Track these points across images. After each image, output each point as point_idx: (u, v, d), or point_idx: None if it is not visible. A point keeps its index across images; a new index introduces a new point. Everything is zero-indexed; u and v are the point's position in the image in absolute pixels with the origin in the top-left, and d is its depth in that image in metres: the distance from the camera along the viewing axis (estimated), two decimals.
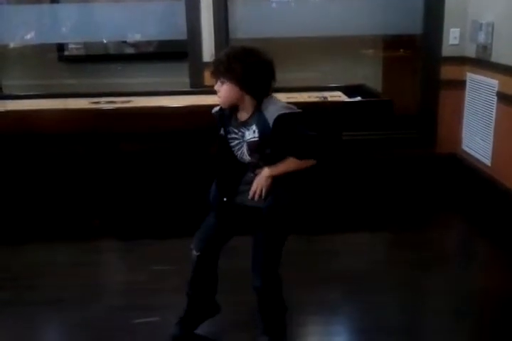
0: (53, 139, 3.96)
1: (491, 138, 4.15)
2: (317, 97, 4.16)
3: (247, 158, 2.38)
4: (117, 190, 4.24)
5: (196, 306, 2.63)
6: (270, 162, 2.35)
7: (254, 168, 2.40)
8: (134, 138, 4.05)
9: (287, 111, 2.27)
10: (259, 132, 2.29)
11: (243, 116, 2.35)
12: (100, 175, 4.24)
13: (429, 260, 3.46)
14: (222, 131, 2.42)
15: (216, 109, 2.43)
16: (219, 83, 2.29)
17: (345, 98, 4.23)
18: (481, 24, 4.24)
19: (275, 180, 2.35)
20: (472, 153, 4.50)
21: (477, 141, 4.40)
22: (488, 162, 4.22)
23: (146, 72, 5.30)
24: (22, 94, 4.72)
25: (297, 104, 3.89)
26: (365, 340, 2.64)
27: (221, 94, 2.31)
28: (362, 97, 4.13)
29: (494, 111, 4.10)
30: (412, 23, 4.67)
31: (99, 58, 5.52)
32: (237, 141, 2.37)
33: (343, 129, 4.29)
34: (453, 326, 2.75)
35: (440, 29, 4.57)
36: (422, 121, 4.78)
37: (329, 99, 4.17)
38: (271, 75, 2.31)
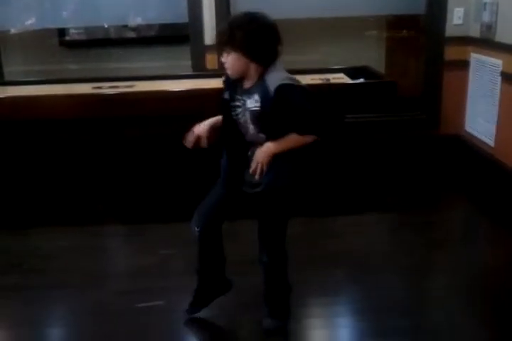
0: (56, 125, 3.96)
1: (495, 118, 4.12)
2: (320, 79, 4.14)
3: (250, 127, 2.34)
4: (121, 175, 4.25)
5: (206, 283, 2.63)
6: (271, 135, 2.30)
7: (255, 144, 2.36)
8: (136, 123, 4.04)
9: (289, 82, 2.23)
10: (261, 101, 2.25)
11: (247, 83, 2.31)
12: (103, 160, 4.25)
13: (433, 240, 3.47)
14: (226, 95, 2.38)
15: (224, 77, 2.40)
16: (225, 54, 2.26)
17: (348, 80, 4.21)
18: (485, 3, 4.19)
19: (275, 157, 2.31)
20: (476, 134, 4.47)
21: (481, 121, 4.37)
22: (491, 143, 4.19)
23: (147, 56, 5.28)
24: (24, 79, 4.72)
25: None
26: (368, 321, 2.65)
27: (228, 65, 2.28)
28: (365, 79, 4.11)
29: (498, 91, 4.06)
30: (415, 3, 4.61)
31: (100, 43, 5.50)
32: (239, 109, 2.34)
33: (346, 111, 4.27)
34: (456, 306, 2.76)
35: (444, 9, 4.51)
36: (425, 102, 4.75)
37: (332, 81, 4.14)
38: (275, 40, 2.26)
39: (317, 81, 4.11)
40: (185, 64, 4.66)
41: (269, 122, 2.28)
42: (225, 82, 2.41)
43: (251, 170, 2.33)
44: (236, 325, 2.69)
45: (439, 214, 3.86)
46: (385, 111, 4.63)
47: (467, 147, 4.58)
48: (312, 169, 2.56)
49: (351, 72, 4.34)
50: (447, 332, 2.55)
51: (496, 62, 4.08)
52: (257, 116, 2.29)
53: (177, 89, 3.92)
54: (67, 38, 5.50)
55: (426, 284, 3.05)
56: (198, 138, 2.48)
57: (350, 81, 4.17)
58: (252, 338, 2.58)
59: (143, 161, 4.31)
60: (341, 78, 4.27)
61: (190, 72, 4.61)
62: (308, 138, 2.29)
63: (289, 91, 2.22)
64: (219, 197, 2.50)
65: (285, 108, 2.22)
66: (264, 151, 2.30)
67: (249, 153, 2.39)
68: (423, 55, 4.74)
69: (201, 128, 2.50)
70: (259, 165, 2.31)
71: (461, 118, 4.68)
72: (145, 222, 3.81)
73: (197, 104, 3.70)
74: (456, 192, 4.22)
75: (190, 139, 2.50)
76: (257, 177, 2.33)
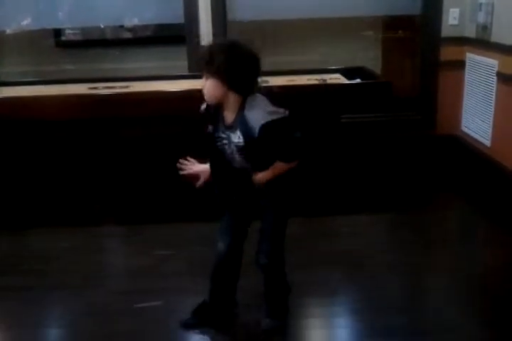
0: (52, 125, 3.95)
1: (491, 118, 4.14)
2: (316, 80, 4.14)
3: (236, 158, 2.36)
4: (119, 175, 4.25)
5: (214, 300, 2.62)
6: (257, 164, 2.35)
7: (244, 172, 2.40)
8: (132, 123, 4.04)
9: (273, 117, 2.21)
10: (244, 138, 2.25)
11: (228, 117, 2.29)
12: (100, 160, 4.24)
13: (430, 240, 3.49)
14: (210, 129, 2.36)
15: (203, 106, 2.37)
16: (204, 79, 2.22)
17: (344, 80, 4.22)
18: (481, 4, 4.21)
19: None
20: (472, 134, 4.49)
21: (477, 121, 4.39)
22: (487, 143, 4.21)
23: (144, 57, 5.27)
24: (20, 80, 4.70)
25: (296, 87, 3.97)
26: (366, 321, 2.65)
27: (206, 90, 2.23)
28: (361, 79, 4.12)
29: (494, 91, 4.08)
30: (411, 4, 4.63)
31: (96, 43, 5.49)
32: (225, 141, 2.34)
33: (342, 112, 4.28)
34: (455, 306, 2.76)
35: (439, 9, 4.53)
36: (421, 102, 4.76)
37: (328, 81, 4.15)
38: (255, 70, 2.23)
39: (313, 81, 4.12)
40: (181, 64, 4.66)
41: (254, 154, 2.31)
42: (204, 114, 2.37)
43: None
44: (236, 325, 2.69)
45: (436, 214, 3.87)
46: (381, 111, 4.64)
47: (463, 147, 4.59)
48: (307, 170, 2.56)
49: (347, 73, 4.34)
50: (446, 332, 2.55)
51: (491, 63, 4.10)
52: (241, 150, 2.30)
53: (173, 90, 3.91)
54: (63, 38, 5.49)
55: (425, 284, 3.05)
56: (196, 176, 2.50)
57: (347, 81, 4.17)
58: (252, 338, 2.58)
59: (141, 162, 4.30)
60: (337, 78, 4.27)
61: (186, 73, 4.61)
62: (293, 164, 2.34)
63: (273, 129, 2.21)
64: (230, 219, 2.52)
65: (270, 143, 2.25)
66: (258, 181, 2.36)
67: (242, 177, 2.41)
68: (419, 55, 4.76)
69: (204, 169, 2.50)
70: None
71: (457, 118, 4.70)
72: (144, 223, 3.80)
73: (193, 104, 3.69)
74: (452, 192, 4.23)
75: (189, 172, 2.52)
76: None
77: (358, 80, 4.10)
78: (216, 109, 2.31)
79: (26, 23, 4.70)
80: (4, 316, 2.83)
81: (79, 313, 2.77)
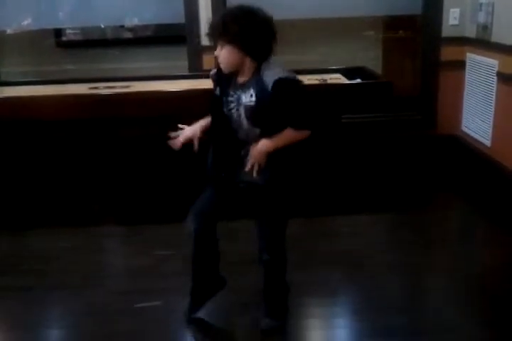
0: (53, 125, 3.95)
1: (491, 118, 4.14)
2: (317, 80, 4.14)
3: (244, 123, 2.31)
4: (118, 175, 4.25)
5: (201, 281, 2.63)
6: (266, 130, 2.28)
7: (249, 141, 2.33)
8: (133, 123, 4.04)
9: (287, 75, 2.21)
10: (257, 96, 2.23)
11: (241, 79, 2.29)
12: (100, 160, 4.24)
13: (430, 240, 3.49)
14: (217, 92, 2.35)
15: (214, 71, 2.38)
16: (218, 47, 2.23)
17: (345, 80, 4.22)
18: (481, 4, 4.21)
19: (270, 155, 2.28)
20: (472, 133, 4.49)
21: (477, 121, 4.39)
22: (488, 143, 4.21)
23: (144, 57, 5.28)
24: (20, 80, 4.71)
25: None
26: (366, 321, 2.66)
27: (221, 58, 2.25)
28: (362, 79, 4.12)
29: (494, 91, 4.08)
30: (411, 4, 4.63)
31: (97, 43, 5.50)
32: (233, 104, 2.31)
33: (343, 112, 4.28)
34: (455, 306, 2.77)
35: (440, 9, 4.53)
36: (422, 102, 4.76)
37: (329, 81, 4.15)
38: (271, 34, 2.24)
39: (314, 81, 4.12)
40: (182, 64, 4.66)
41: (265, 116, 2.26)
42: (214, 77, 2.38)
43: (247, 169, 2.30)
44: (235, 325, 2.69)
45: (436, 214, 3.87)
46: (382, 111, 4.64)
47: (463, 147, 4.59)
48: (307, 166, 2.52)
49: (348, 73, 4.34)
50: (446, 332, 2.55)
51: (491, 63, 4.10)
52: (252, 111, 2.27)
53: (173, 90, 3.92)
54: (64, 38, 5.49)
55: (424, 284, 3.05)
56: (189, 140, 2.46)
57: (347, 81, 4.17)
58: (251, 338, 2.58)
59: (139, 162, 4.30)
60: (338, 78, 4.27)
61: (186, 73, 4.61)
62: (303, 134, 2.27)
63: (287, 85, 2.20)
64: (211, 196, 2.48)
65: (282, 102, 2.21)
66: (260, 149, 2.27)
67: (243, 152, 2.36)
68: (419, 55, 4.76)
69: (193, 130, 2.46)
70: (256, 164, 2.28)
71: (458, 118, 4.69)
72: (144, 223, 3.80)
73: (193, 104, 3.69)
74: (452, 192, 4.23)
75: (180, 140, 2.46)
76: (254, 174, 2.30)
77: (359, 80, 4.10)
78: (228, 74, 2.30)
79: (27, 23, 4.71)
80: (4, 316, 2.83)
81: (79, 313, 2.77)
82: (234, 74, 2.30)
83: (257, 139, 2.30)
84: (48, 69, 5.18)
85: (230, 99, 2.32)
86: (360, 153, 4.44)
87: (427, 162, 4.60)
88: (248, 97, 2.26)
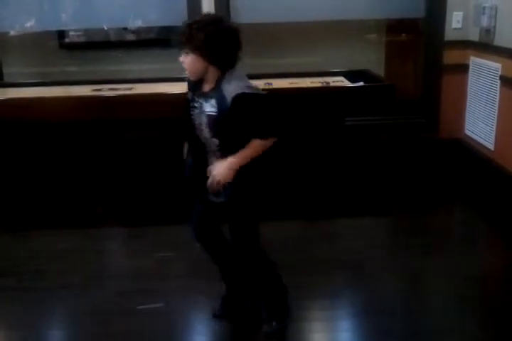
0: (55, 127, 3.96)
1: (494, 122, 4.13)
2: (320, 83, 4.15)
3: (204, 131, 2.32)
4: (120, 177, 4.25)
5: (232, 286, 2.67)
6: (224, 141, 2.29)
7: (210, 149, 2.35)
8: (136, 125, 4.04)
9: (246, 90, 2.21)
10: (218, 107, 2.24)
11: (206, 87, 2.31)
12: (102, 162, 4.25)
13: (432, 244, 3.47)
14: (189, 95, 2.39)
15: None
16: (184, 55, 2.25)
17: (348, 83, 4.22)
18: (484, 7, 4.21)
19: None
20: (475, 137, 4.48)
21: (480, 125, 4.38)
22: (491, 146, 4.20)
23: (147, 59, 5.26)
24: (23, 81, 4.71)
25: (300, 90, 3.96)
26: (367, 323, 2.65)
27: (186, 66, 2.27)
28: (365, 82, 4.12)
29: (497, 95, 4.08)
30: (414, 7, 4.62)
31: (100, 45, 5.48)
32: (197, 111, 2.33)
33: (346, 114, 4.28)
34: (454, 308, 2.77)
35: (443, 13, 4.53)
36: (425, 105, 4.76)
37: (332, 84, 4.15)
38: (235, 44, 2.26)
39: (317, 84, 4.12)
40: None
41: (224, 128, 2.27)
42: (188, 81, 2.41)
43: (208, 186, 2.32)
44: (236, 327, 2.68)
45: (438, 218, 3.87)
46: (385, 114, 4.63)
47: (467, 150, 4.58)
48: (271, 172, 2.51)
49: (351, 75, 4.35)
50: (446, 335, 2.56)
51: (494, 66, 4.09)
52: (212, 121, 2.28)
53: (177, 92, 3.91)
54: (67, 40, 5.48)
55: (425, 287, 3.05)
56: None
57: (350, 84, 4.17)
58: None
59: (143, 163, 4.31)
60: (341, 81, 4.28)
61: None
62: (269, 142, 2.28)
63: (246, 100, 2.21)
64: (200, 208, 2.54)
65: (242, 117, 2.22)
66: (226, 168, 2.28)
67: (209, 164, 2.36)
68: (422, 58, 4.75)
69: None
70: (220, 183, 2.28)
71: (461, 121, 4.69)
72: (145, 225, 3.80)
73: None
74: (455, 195, 4.22)
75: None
76: (214, 191, 2.32)
77: (362, 83, 4.10)
78: (199, 80, 2.33)
79: (30, 24, 4.71)
80: (4, 317, 2.83)
81: (80, 315, 2.77)
82: (201, 80, 2.33)
83: (215, 149, 2.33)
84: (51, 71, 5.18)
85: (195, 104, 2.35)
86: (362, 156, 4.44)
87: (429, 165, 4.59)
88: (209, 107, 2.28)
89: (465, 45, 4.54)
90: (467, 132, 4.64)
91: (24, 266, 3.25)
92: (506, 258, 3.25)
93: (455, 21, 4.54)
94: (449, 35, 4.57)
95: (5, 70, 4.91)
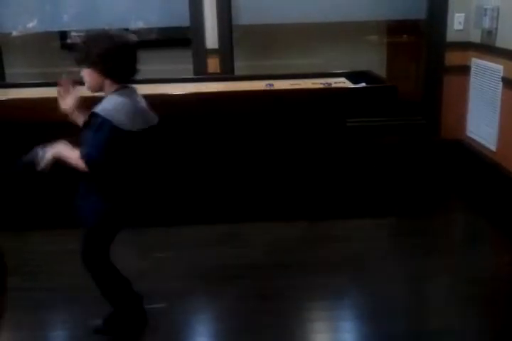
0: (57, 127, 3.94)
1: (496, 123, 4.13)
2: (321, 84, 4.15)
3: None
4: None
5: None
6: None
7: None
8: None
9: (99, 111, 2.26)
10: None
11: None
12: None
13: (434, 245, 3.46)
14: None
15: None
16: (82, 70, 2.33)
17: (349, 84, 4.22)
18: (486, 9, 4.21)
19: (92, 193, 2.53)
20: (477, 138, 4.48)
21: (482, 126, 4.38)
22: (493, 148, 4.20)
23: (149, 60, 5.24)
24: (25, 82, 4.72)
25: (301, 91, 3.97)
26: (367, 324, 2.65)
27: (84, 80, 2.36)
28: (366, 83, 4.12)
29: (499, 96, 4.07)
30: (416, 8, 4.63)
31: None
32: None
33: (347, 116, 4.28)
34: (455, 309, 2.76)
35: (444, 14, 4.53)
36: (426, 107, 4.76)
37: (333, 85, 4.15)
38: (130, 59, 2.32)
39: (318, 85, 4.12)
40: (187, 67, 4.66)
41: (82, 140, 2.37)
42: None
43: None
44: (234, 329, 2.68)
45: (440, 219, 3.86)
46: (386, 115, 4.64)
47: (468, 152, 4.58)
48: (127, 207, 2.72)
49: (352, 77, 4.34)
50: (446, 336, 2.55)
51: (496, 68, 4.09)
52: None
53: (178, 93, 3.92)
54: (69, 40, 5.50)
55: (427, 288, 3.04)
56: None
57: (352, 85, 4.17)
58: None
59: (142, 163, 4.29)
60: (343, 82, 4.28)
61: (191, 76, 4.61)
62: (80, 162, 2.35)
63: (93, 117, 2.29)
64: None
65: (86, 131, 2.33)
66: (55, 149, 2.45)
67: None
68: (424, 60, 4.76)
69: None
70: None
71: (463, 123, 4.69)
72: (143, 225, 3.78)
73: (198, 107, 3.71)
74: (457, 197, 4.22)
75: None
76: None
77: (363, 84, 4.10)
78: None
79: (32, 25, 4.72)
80: (5, 316, 2.82)
81: (80, 316, 2.77)
82: None
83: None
84: (53, 72, 5.19)
85: None
86: (364, 157, 4.44)
87: (431, 167, 4.59)
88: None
89: (467, 46, 4.54)
90: (469, 133, 4.63)
91: (23, 266, 3.24)
92: (507, 259, 3.24)
93: (457, 23, 4.54)
94: (451, 36, 4.57)
95: (7, 71, 4.92)
